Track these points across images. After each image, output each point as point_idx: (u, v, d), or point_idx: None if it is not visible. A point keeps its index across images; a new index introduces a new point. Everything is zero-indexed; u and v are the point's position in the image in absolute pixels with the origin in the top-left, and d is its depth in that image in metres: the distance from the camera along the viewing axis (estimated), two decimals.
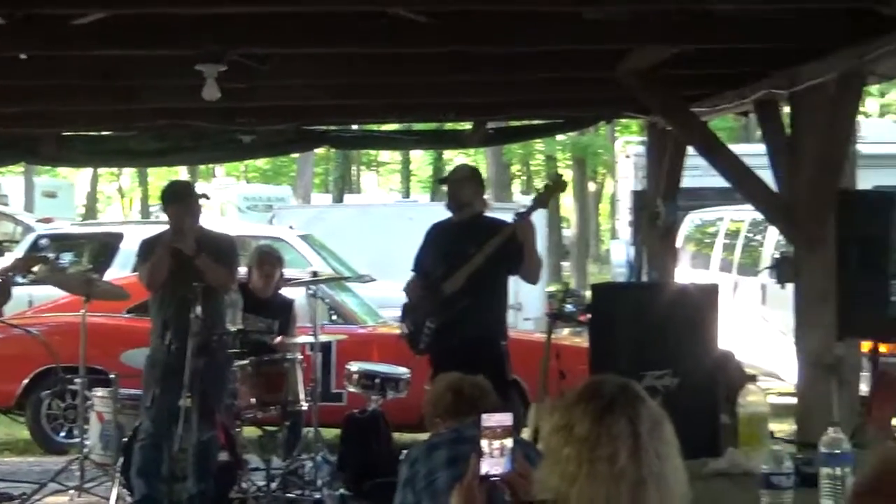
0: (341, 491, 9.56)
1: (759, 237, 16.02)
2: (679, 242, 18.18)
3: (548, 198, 8.80)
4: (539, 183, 36.58)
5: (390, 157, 46.48)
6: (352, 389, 10.46)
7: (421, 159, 46.27)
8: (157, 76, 8.51)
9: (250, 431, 10.10)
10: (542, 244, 20.62)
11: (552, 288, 16.52)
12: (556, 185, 8.87)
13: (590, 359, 7.25)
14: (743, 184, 8.39)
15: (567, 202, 38.22)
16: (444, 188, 9.53)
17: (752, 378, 6.78)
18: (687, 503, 3.26)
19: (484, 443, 3.62)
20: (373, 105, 10.46)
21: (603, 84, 8.90)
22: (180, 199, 8.90)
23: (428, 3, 6.64)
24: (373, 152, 42.74)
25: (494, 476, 3.60)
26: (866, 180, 13.76)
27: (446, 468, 4.90)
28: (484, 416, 3.68)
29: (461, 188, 8.80)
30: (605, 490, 3.13)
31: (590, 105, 10.60)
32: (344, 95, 9.61)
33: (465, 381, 5.60)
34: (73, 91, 9.09)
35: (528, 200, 9.25)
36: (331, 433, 10.87)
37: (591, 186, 41.65)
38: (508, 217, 8.89)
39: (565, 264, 35.18)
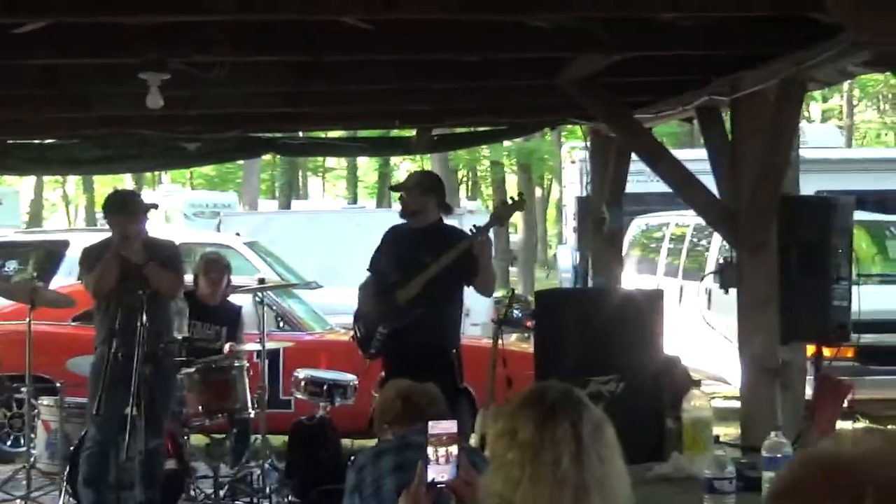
0: (289, 498, 9.58)
1: (704, 242, 16.15)
2: (625, 248, 18.34)
3: (507, 215, 8.88)
4: (486, 190, 36.65)
5: (336, 162, 46.43)
6: (299, 396, 10.47)
7: (367, 165, 46.20)
8: (102, 84, 8.49)
9: (198, 439, 10.09)
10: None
11: (499, 294, 16.60)
12: (516, 203, 8.92)
13: (535, 365, 7.31)
14: (685, 190, 8.46)
15: None
16: (396, 195, 9.54)
17: (697, 383, 6.83)
18: None
19: (430, 450, 3.65)
20: (317, 113, 10.49)
21: (546, 91, 8.94)
22: (124, 209, 8.87)
23: (372, 12, 6.65)
24: (319, 159, 42.63)
25: (440, 483, 3.64)
26: (809, 185, 13.94)
27: (393, 474, 4.94)
28: (430, 423, 3.72)
29: (408, 196, 8.83)
30: (548, 494, 3.17)
31: (534, 112, 10.65)
32: (288, 103, 9.61)
33: (414, 388, 5.65)
34: (16, 99, 9.06)
35: (472, 206, 9.32)
36: (280, 440, 10.87)
37: (539, 192, 41.75)
38: (456, 223, 8.94)
39: (513, 269, 35.24)
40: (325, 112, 10.46)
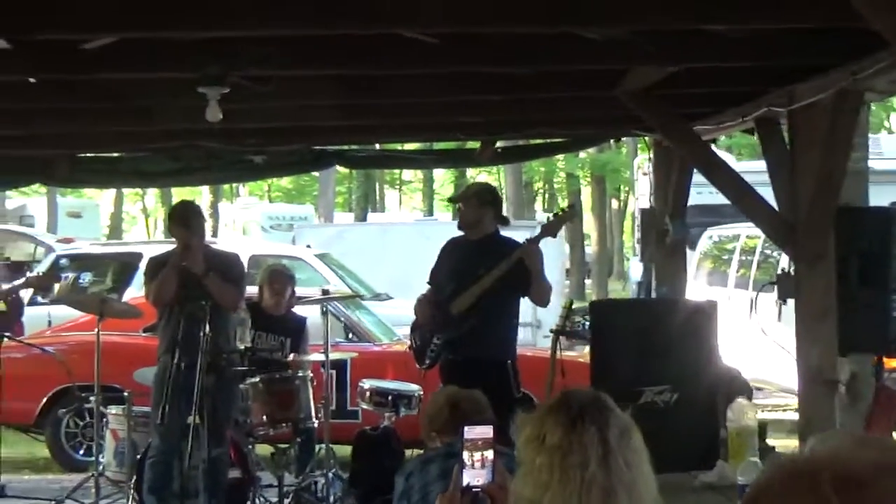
0: None
1: (775, 253, 16.06)
2: (696, 259, 18.29)
3: (557, 227, 8.89)
4: (562, 202, 36.62)
5: (413, 175, 46.63)
6: (365, 406, 10.56)
7: (444, 177, 46.36)
8: (166, 98, 8.65)
9: (263, 449, 10.20)
10: (557, 264, 20.80)
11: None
12: (566, 214, 8.98)
13: (591, 374, 7.36)
14: (742, 201, 8.48)
15: (589, 220, 38.30)
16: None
17: (752, 393, 6.86)
18: None
19: (466, 454, 3.72)
20: (377, 125, 10.59)
21: (606, 102, 9.00)
22: (185, 220, 9.03)
23: (434, 25, 6.73)
24: (396, 171, 42.88)
25: (476, 487, 3.70)
26: (886, 197, 13.83)
27: (439, 481, 5.00)
28: (466, 427, 3.78)
29: (465, 208, 8.90)
30: (576, 497, 3.22)
31: (595, 124, 10.69)
32: (347, 116, 9.73)
33: (461, 395, 5.72)
34: (83, 113, 9.25)
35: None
36: (345, 450, 10.96)
37: (616, 204, 41.65)
38: (524, 236, 8.98)
39: (588, 282, 35.21)
40: (387, 124, 10.56)
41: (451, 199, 9.80)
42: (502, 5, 6.40)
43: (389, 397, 10.26)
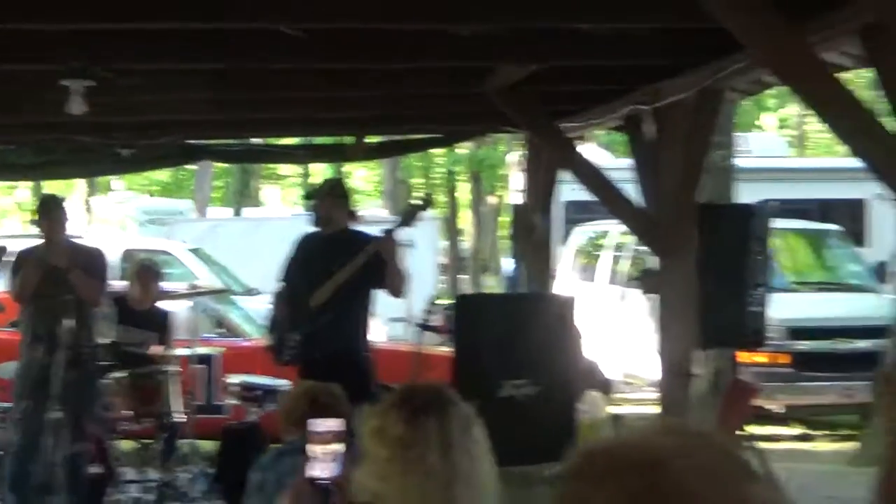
0: (218, 503, 9.60)
1: (645, 249, 16.25)
2: (570, 256, 18.46)
3: (412, 217, 8.87)
4: (441, 198, 36.74)
5: (291, 170, 46.40)
6: (233, 401, 10.51)
7: (321, 172, 46.07)
8: (32, 90, 8.53)
9: (127, 444, 10.11)
10: (430, 259, 20.81)
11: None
12: (420, 205, 8.98)
13: (453, 368, 7.41)
14: (607, 197, 8.58)
15: (466, 216, 38.49)
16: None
17: (610, 386, 6.96)
18: (497, 501, 3.39)
19: (314, 448, 3.73)
20: (254, 119, 10.55)
21: (477, 99, 9.03)
22: (47, 213, 8.93)
23: (305, 20, 6.71)
24: (273, 166, 42.66)
25: (323, 480, 3.71)
26: (755, 194, 14.05)
27: (293, 475, 5.00)
28: (314, 421, 3.79)
29: (318, 204, 8.89)
30: (417, 488, 3.25)
31: (466, 120, 10.73)
32: (225, 110, 9.68)
33: (318, 389, 5.73)
34: None
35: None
36: (213, 445, 10.90)
37: (493, 200, 41.85)
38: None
39: (464, 277, 35.34)
40: (257, 119, 10.52)
41: (304, 196, 9.74)
42: (372, 1, 6.41)
43: (257, 392, 10.22)
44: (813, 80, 5.26)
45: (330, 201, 8.82)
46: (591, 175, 8.67)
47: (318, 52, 7.42)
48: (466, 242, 37.73)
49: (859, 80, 13.47)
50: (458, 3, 6.43)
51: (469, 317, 7.66)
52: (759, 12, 5.21)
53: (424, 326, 8.97)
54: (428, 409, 3.36)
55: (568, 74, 8.31)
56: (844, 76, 6.63)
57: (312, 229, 9.02)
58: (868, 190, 16.98)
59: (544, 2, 6.46)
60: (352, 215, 8.93)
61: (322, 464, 3.71)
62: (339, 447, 3.72)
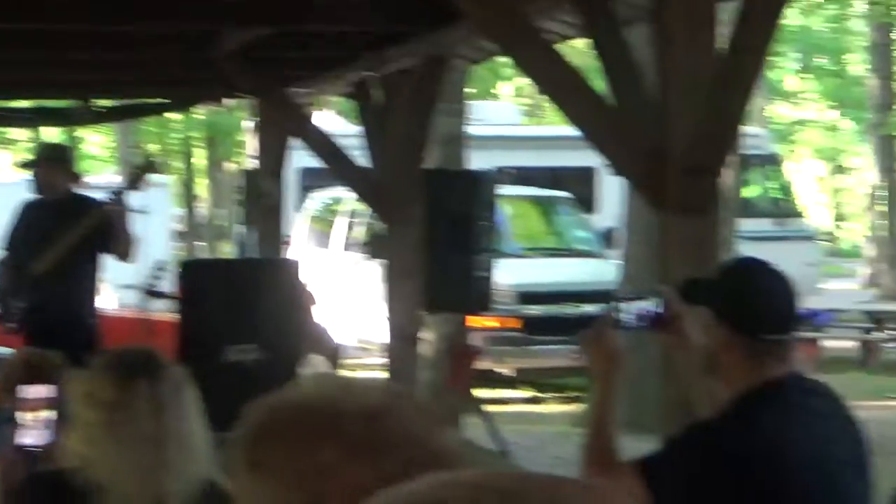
0: None
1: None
2: (304, 221, 18.47)
3: (137, 180, 8.76)
4: (177, 165, 36.31)
5: (23, 134, 45.36)
6: None
7: (55, 137, 45.03)
8: None
9: None
10: (164, 225, 20.54)
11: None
12: (145, 168, 8.90)
13: (179, 333, 7.40)
14: (336, 163, 8.66)
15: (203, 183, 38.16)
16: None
17: (338, 352, 7.05)
18: (210, 462, 3.43)
19: (24, 415, 3.72)
20: None
21: (210, 65, 8.98)
22: None
23: None
24: (2, 129, 41.61)
25: (32, 447, 3.71)
26: (487, 161, 14.29)
27: (3, 443, 4.97)
28: (23, 388, 3.79)
29: (37, 171, 8.73)
30: (127, 450, 3.27)
31: (198, 85, 10.67)
32: None
33: (34, 355, 5.68)
34: None
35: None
36: None
37: (231, 166, 41.53)
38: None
39: (201, 244, 35.05)
40: None
41: (21, 165, 9.51)
42: None
43: None
44: (529, 48, 5.38)
45: (47, 166, 8.64)
46: (320, 141, 8.74)
47: (46, 12, 7.30)
48: (203, 209, 37.38)
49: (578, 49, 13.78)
50: None
51: (194, 282, 7.66)
52: None
53: (150, 292, 8.92)
54: (137, 372, 3.38)
55: (295, 41, 8.33)
56: (563, 46, 6.83)
57: (36, 196, 8.86)
58: (598, 159, 17.36)
59: None
60: (75, 179, 8.78)
61: (32, 431, 3.71)
62: (49, 414, 3.72)
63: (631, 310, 4.12)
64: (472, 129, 14.41)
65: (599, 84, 5.39)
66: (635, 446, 4.11)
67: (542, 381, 15.01)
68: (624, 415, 4.18)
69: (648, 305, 4.12)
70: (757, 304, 3.89)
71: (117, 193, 8.43)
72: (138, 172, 8.78)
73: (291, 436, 1.74)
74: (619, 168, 5.22)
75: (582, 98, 5.15)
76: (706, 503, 3.76)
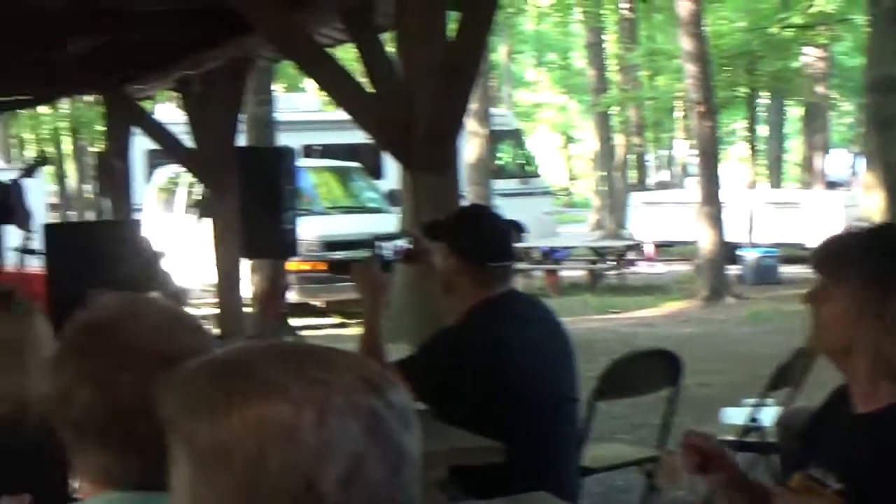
0: None
1: None
2: (152, 192, 18.16)
3: (34, 169, 8.64)
4: (47, 151, 35.29)
5: None
6: None
7: None
8: None
9: None
10: (42, 199, 20.03)
11: None
12: (39, 160, 8.77)
13: (45, 283, 7.26)
14: (167, 144, 8.58)
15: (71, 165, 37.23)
16: None
17: (184, 294, 6.98)
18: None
19: None
20: None
21: (60, 66, 8.72)
22: None
23: None
24: None
25: None
26: (297, 140, 14.25)
27: None
28: None
29: None
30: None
31: (52, 83, 10.37)
32: None
33: None
34: None
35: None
36: None
37: (94, 150, 40.53)
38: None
39: (72, 214, 34.22)
40: None
41: None
42: None
43: None
44: (305, 53, 5.40)
45: None
46: (153, 127, 8.64)
47: None
48: (72, 185, 36.46)
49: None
50: None
51: (56, 241, 7.50)
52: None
53: (23, 251, 8.74)
54: None
55: (129, 46, 8.17)
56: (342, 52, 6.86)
57: None
58: None
59: None
60: None
61: None
62: None
63: (390, 247, 4.19)
64: (281, 115, 14.37)
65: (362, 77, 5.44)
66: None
67: (346, 310, 15.05)
68: (392, 328, 4.27)
69: (402, 243, 4.20)
70: (479, 239, 3.99)
71: (17, 179, 8.27)
72: (34, 165, 8.65)
73: (71, 349, 1.74)
74: (378, 141, 5.29)
75: (347, 88, 5.19)
76: (451, 391, 3.86)
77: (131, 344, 1.69)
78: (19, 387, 3.23)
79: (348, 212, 16.25)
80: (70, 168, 36.98)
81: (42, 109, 28.08)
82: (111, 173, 10.30)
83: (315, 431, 1.08)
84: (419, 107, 4.64)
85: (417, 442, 1.15)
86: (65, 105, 30.98)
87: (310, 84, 37.96)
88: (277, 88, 18.79)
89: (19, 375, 3.23)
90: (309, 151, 17.83)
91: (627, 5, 28.88)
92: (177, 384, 1.16)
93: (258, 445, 1.08)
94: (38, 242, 8.75)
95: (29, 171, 8.65)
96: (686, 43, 15.66)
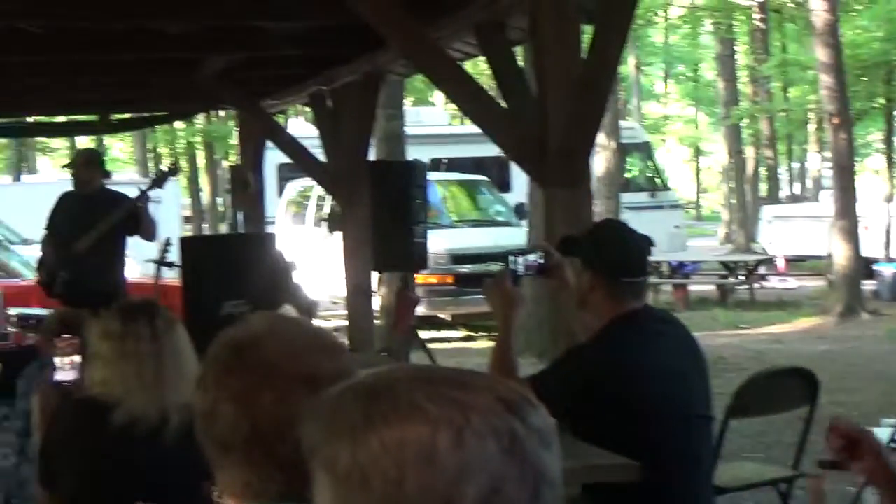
0: (2, 410, 9.36)
1: None
2: (284, 205, 18.44)
3: (163, 180, 8.78)
4: (181, 164, 36.09)
5: (60, 142, 44.99)
6: (13, 329, 10.22)
7: (87, 144, 44.73)
8: None
9: None
10: (175, 211, 20.52)
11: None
12: (169, 171, 8.91)
13: (182, 294, 7.40)
14: (299, 158, 8.68)
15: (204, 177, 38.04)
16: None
17: (314, 306, 7.06)
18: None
19: (58, 359, 3.78)
20: (19, 101, 10.23)
21: (197, 83, 8.95)
22: None
23: (53, 19, 6.55)
24: (46, 140, 41.31)
25: (65, 382, 3.76)
26: (426, 153, 14.31)
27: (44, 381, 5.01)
28: (58, 339, 3.84)
29: (76, 171, 8.71)
30: (134, 368, 3.30)
31: (189, 100, 10.64)
32: None
33: (68, 313, 5.71)
34: None
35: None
36: None
37: (227, 164, 41.36)
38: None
39: (205, 226, 34.94)
40: (23, 101, 10.20)
41: (65, 166, 9.44)
42: (98, 4, 6.31)
43: (32, 321, 9.95)
44: (437, 66, 5.42)
45: (84, 167, 8.64)
46: (287, 141, 8.76)
47: (58, 46, 7.25)
48: (206, 198, 37.24)
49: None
50: (167, 6, 6.37)
51: (192, 253, 7.67)
52: (395, 15, 5.34)
53: (159, 263, 8.92)
54: (138, 312, 3.43)
55: (263, 63, 8.33)
56: (472, 65, 6.88)
57: (71, 189, 8.83)
58: None
59: (236, 5, 6.47)
60: (106, 176, 8.78)
61: (65, 371, 3.77)
62: (78, 358, 3.78)
63: (521, 262, 4.18)
64: (410, 130, 14.46)
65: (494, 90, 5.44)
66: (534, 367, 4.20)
67: (472, 323, 15.09)
68: (525, 344, 4.27)
69: (534, 258, 4.18)
70: (615, 254, 3.95)
71: (145, 190, 8.43)
72: (164, 175, 8.78)
73: (217, 367, 1.77)
74: (510, 155, 5.28)
75: (480, 103, 5.19)
76: (583, 408, 3.83)
77: (274, 363, 1.72)
78: (161, 398, 3.32)
79: (476, 225, 16.27)
80: (204, 181, 37.78)
81: (177, 124, 28.72)
82: (245, 186, 10.47)
83: (453, 453, 1.09)
84: (553, 121, 4.63)
85: (558, 462, 1.14)
86: (199, 119, 31.71)
87: (438, 98, 38.25)
88: (406, 102, 18.90)
89: (161, 387, 3.32)
90: (436, 165, 17.90)
91: (759, 15, 28.40)
92: (320, 411, 1.18)
93: (397, 467, 1.09)
94: (174, 254, 8.95)
95: (158, 182, 8.80)
96: (821, 53, 15.34)
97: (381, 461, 1.09)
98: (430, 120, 20.82)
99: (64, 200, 8.80)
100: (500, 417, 1.11)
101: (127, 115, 11.65)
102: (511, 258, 4.21)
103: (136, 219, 8.42)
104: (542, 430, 1.13)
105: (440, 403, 1.11)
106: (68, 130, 13.14)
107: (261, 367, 1.71)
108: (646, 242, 4.15)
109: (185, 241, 7.96)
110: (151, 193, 8.60)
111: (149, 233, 8.62)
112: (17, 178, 33.42)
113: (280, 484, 1.69)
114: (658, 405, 3.88)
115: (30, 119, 13.10)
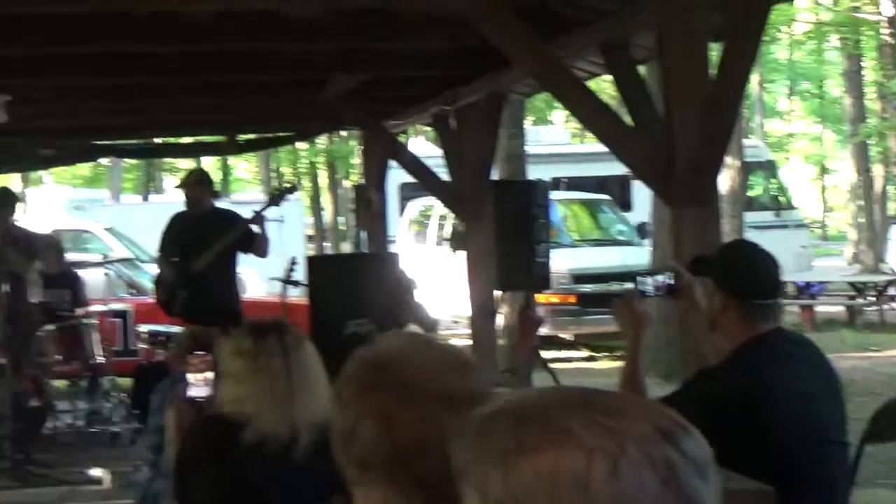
0: (135, 425, 9.58)
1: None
2: (405, 224, 18.55)
3: (279, 199, 8.85)
4: (304, 183, 36.61)
5: (186, 163, 46.04)
6: (143, 346, 10.46)
7: (212, 165, 45.75)
8: None
9: (59, 383, 10.07)
10: (299, 231, 20.77)
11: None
12: (286, 189, 9.00)
13: (309, 312, 7.49)
14: (422, 177, 8.72)
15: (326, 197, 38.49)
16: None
17: (436, 324, 7.07)
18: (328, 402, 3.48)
19: (192, 375, 3.85)
20: (143, 124, 10.48)
21: (322, 105, 9.07)
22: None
23: (180, 42, 6.71)
24: (172, 160, 42.30)
25: (199, 398, 3.83)
26: (547, 173, 14.27)
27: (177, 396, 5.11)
28: (191, 356, 3.91)
29: (188, 191, 8.83)
30: (265, 385, 3.34)
31: (313, 121, 10.77)
32: (121, 116, 9.60)
33: (198, 331, 5.81)
34: None
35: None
36: (129, 381, 10.84)
37: (349, 184, 41.84)
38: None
39: (328, 245, 35.34)
40: (145, 123, 10.45)
41: (178, 186, 9.58)
42: (232, 28, 6.44)
43: (162, 337, 10.18)
44: (563, 85, 5.41)
45: (196, 188, 8.76)
46: (410, 161, 8.82)
47: (191, 68, 7.42)
48: (328, 218, 37.69)
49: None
50: (295, 28, 6.47)
51: (318, 272, 7.76)
52: (520, 34, 5.34)
53: (285, 281, 9.02)
54: (268, 330, 3.47)
55: (387, 84, 8.40)
56: (592, 81, 6.84)
57: (183, 210, 8.98)
58: None
59: (360, 26, 6.53)
60: (215, 196, 8.90)
61: (198, 387, 3.84)
62: (210, 375, 3.84)
63: (650, 282, 4.12)
64: (531, 149, 14.43)
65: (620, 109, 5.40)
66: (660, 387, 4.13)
67: (595, 343, 14.98)
68: (651, 364, 4.21)
69: (664, 278, 4.12)
70: (747, 275, 3.87)
71: (261, 210, 8.53)
72: (281, 193, 8.87)
73: (357, 385, 1.76)
74: (638, 174, 5.23)
75: (606, 122, 5.16)
76: (714, 432, 3.75)
77: (411, 382, 1.71)
78: (291, 415, 3.35)
79: (598, 244, 16.14)
80: (326, 200, 38.25)
81: (300, 144, 29.13)
82: (368, 205, 10.55)
83: (609, 483, 1.05)
84: (681, 140, 4.57)
85: (715, 493, 1.10)
86: (322, 140, 32.12)
87: (556, 117, 38.19)
88: (526, 122, 18.89)
89: (292, 403, 3.36)
90: (556, 184, 17.83)
91: (888, 30, 27.75)
92: (470, 431, 1.15)
93: (550, 497, 1.06)
94: (299, 273, 9.06)
95: (274, 201, 8.88)
96: None
97: (534, 489, 1.07)
98: (551, 139, 20.78)
99: (176, 221, 8.95)
100: (657, 446, 1.08)
101: (252, 136, 11.84)
102: (639, 278, 4.15)
103: (250, 237, 8.53)
104: (699, 459, 1.10)
105: (595, 431, 1.08)
106: (194, 151, 13.40)
107: (399, 386, 1.71)
108: (777, 264, 4.07)
109: (311, 261, 8.05)
110: (267, 213, 8.70)
111: (262, 251, 8.72)
112: (145, 198, 34.26)
113: (419, 502, 1.68)
114: (788, 428, 3.79)
115: (157, 140, 13.41)
